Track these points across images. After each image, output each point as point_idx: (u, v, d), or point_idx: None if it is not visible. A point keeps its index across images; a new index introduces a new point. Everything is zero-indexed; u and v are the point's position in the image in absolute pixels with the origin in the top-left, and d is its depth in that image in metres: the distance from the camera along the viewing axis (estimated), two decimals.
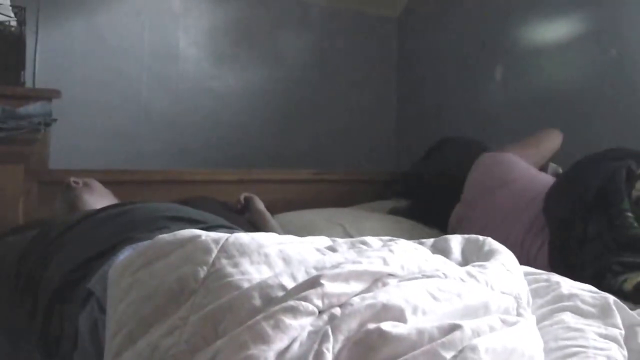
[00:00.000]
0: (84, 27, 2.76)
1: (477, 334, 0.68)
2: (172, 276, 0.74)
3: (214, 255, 0.76)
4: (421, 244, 1.04)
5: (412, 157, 3.48)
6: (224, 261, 0.75)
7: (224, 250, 0.76)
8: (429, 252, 0.95)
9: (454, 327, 0.67)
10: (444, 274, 0.80)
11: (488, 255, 0.97)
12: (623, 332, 0.91)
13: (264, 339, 0.63)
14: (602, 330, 0.90)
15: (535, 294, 1.01)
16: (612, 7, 2.49)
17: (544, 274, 1.11)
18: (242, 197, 2.08)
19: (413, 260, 0.83)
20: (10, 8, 2.12)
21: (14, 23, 2.14)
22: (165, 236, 0.81)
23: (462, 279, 0.81)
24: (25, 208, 2.01)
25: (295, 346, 0.65)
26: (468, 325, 0.68)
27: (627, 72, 2.41)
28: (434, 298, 0.74)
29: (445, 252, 1.04)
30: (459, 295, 0.76)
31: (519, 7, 2.92)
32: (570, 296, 1.00)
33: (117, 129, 2.80)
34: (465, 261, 1.02)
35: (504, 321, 0.74)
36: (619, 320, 0.93)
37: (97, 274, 0.97)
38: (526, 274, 1.04)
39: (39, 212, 2.04)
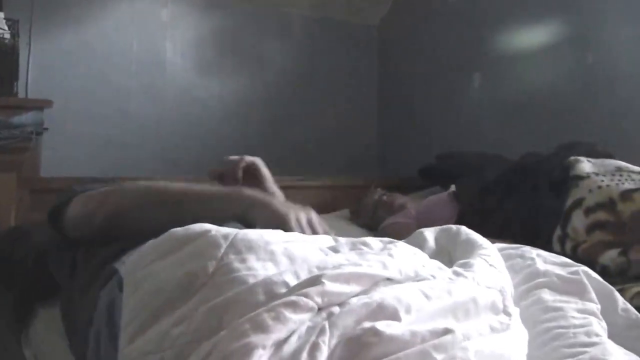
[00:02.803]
0: (74, 38, 2.76)
1: (467, 338, 0.69)
2: (182, 270, 0.75)
3: (222, 250, 0.76)
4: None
5: (392, 163, 3.49)
6: (232, 256, 0.75)
7: (233, 245, 0.77)
8: (426, 256, 0.94)
9: (447, 331, 0.68)
10: (432, 275, 0.81)
11: (467, 245, 0.97)
12: (599, 306, 0.91)
13: (263, 329, 0.64)
14: (580, 305, 0.89)
15: (511, 270, 0.99)
16: (588, 15, 2.50)
17: (518, 249, 1.08)
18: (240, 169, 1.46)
19: (411, 265, 0.83)
20: (4, 21, 2.11)
21: (7, 35, 2.12)
22: (177, 230, 0.82)
23: (450, 278, 0.81)
24: (17, 216, 1.98)
25: (294, 339, 0.66)
26: (459, 329, 0.70)
27: (603, 77, 2.42)
28: (426, 297, 0.75)
29: (420, 243, 1.04)
30: (448, 292, 0.77)
31: (497, 15, 2.94)
32: (546, 272, 0.97)
33: (106, 137, 2.78)
34: (439, 248, 1.03)
35: (493, 328, 0.75)
36: (593, 295, 0.93)
37: (123, 259, 0.99)
38: (500, 249, 1.03)
39: (31, 219, 2.02)
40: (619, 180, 1.65)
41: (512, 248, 1.08)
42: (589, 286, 0.94)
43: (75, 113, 2.67)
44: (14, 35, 2.16)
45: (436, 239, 1.06)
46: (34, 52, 2.58)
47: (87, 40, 2.79)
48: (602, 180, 1.65)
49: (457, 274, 0.83)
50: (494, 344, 0.70)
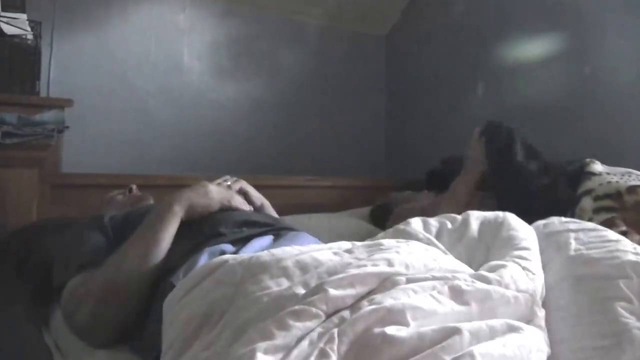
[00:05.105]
0: (95, 41, 2.76)
1: (476, 338, 0.68)
2: (206, 300, 0.80)
3: (239, 276, 0.81)
4: (443, 224, 1.07)
5: (399, 166, 3.50)
6: (248, 280, 0.79)
7: (248, 270, 0.81)
8: (439, 252, 0.94)
9: (454, 331, 0.67)
10: (453, 275, 0.80)
11: (507, 242, 0.97)
12: None
13: (268, 336, 0.67)
14: None
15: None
16: (586, 29, 2.52)
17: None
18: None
19: (419, 259, 0.84)
20: (27, 22, 2.12)
21: (30, 36, 2.14)
22: (198, 267, 0.89)
23: (472, 282, 0.80)
24: (39, 209, 2.01)
25: (305, 344, 0.67)
26: (467, 329, 0.68)
27: (599, 88, 2.44)
28: (438, 301, 0.74)
29: (463, 229, 1.06)
30: (463, 297, 0.76)
31: (499, 27, 2.95)
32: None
33: (125, 136, 2.79)
34: (480, 237, 1.03)
35: (506, 327, 0.73)
36: None
37: (181, 270, 1.03)
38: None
39: (52, 213, 2.04)
40: (627, 178, 1.78)
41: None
42: None
43: (96, 112, 2.68)
44: (36, 36, 2.17)
45: (480, 229, 1.06)
46: (55, 53, 2.59)
47: (107, 43, 2.80)
48: (612, 178, 1.80)
49: (480, 278, 0.81)
50: (506, 345, 0.68)
